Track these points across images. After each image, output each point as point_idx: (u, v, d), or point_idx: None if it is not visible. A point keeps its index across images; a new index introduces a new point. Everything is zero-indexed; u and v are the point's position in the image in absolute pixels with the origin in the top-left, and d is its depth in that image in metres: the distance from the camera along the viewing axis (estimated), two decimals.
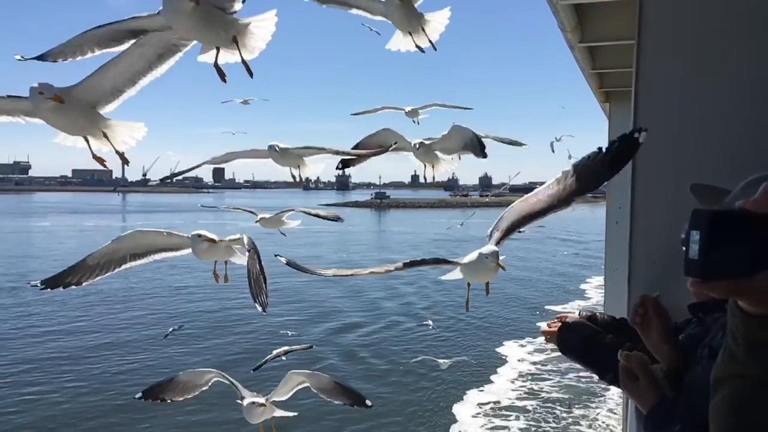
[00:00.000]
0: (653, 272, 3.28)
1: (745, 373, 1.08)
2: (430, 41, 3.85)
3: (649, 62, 3.37)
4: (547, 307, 26.27)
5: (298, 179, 4.36)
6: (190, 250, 4.01)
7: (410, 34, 3.81)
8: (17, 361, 19.07)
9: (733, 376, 1.11)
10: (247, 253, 3.57)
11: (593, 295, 28.56)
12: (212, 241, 3.90)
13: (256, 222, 5.06)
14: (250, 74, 3.27)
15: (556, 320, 2.79)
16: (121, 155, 3.33)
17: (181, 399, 5.40)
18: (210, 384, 5.45)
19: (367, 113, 5.14)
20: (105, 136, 3.23)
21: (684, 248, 1.01)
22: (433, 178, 4.77)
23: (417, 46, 3.87)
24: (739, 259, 0.98)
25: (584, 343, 2.50)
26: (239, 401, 5.32)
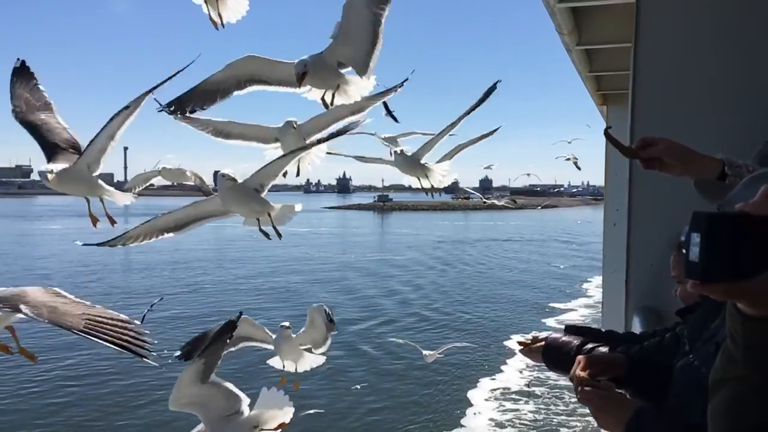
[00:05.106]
0: (651, 275, 3.28)
1: (743, 375, 1.08)
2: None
3: (646, 65, 3.38)
4: (550, 305, 26.67)
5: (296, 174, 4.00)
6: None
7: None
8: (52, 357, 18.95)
9: (732, 378, 1.11)
10: None
11: (594, 293, 28.60)
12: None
13: (158, 174, 4.79)
14: None
15: (529, 338, 2.77)
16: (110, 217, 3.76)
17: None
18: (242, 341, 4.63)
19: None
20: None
21: (684, 251, 1.01)
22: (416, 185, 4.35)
23: (322, 100, 3.28)
24: (738, 261, 0.97)
25: (573, 357, 2.48)
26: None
